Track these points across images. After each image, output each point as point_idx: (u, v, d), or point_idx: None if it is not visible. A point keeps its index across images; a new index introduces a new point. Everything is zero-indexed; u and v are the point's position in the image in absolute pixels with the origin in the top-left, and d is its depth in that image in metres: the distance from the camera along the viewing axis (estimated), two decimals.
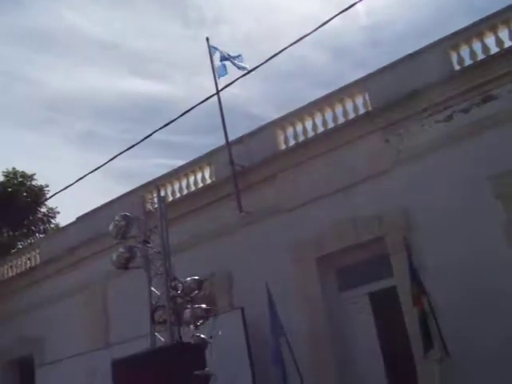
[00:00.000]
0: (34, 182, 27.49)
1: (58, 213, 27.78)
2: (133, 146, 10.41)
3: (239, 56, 14.33)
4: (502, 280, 10.02)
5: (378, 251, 11.71)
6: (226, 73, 14.16)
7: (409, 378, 10.70)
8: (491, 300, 10.01)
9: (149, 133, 10.18)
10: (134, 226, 9.61)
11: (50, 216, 27.76)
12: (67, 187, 11.22)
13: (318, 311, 12.01)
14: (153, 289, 9.56)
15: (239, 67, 13.99)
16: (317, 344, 11.77)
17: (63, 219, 27.16)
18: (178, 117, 9.73)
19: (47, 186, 27.55)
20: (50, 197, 22.52)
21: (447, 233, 10.76)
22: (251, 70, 11.17)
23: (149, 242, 9.71)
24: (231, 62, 14.23)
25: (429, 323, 10.06)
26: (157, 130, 10.03)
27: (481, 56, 11.41)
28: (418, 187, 11.31)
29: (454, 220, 10.75)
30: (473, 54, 11.52)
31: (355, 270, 12.18)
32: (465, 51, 11.66)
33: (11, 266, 18.94)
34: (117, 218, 9.56)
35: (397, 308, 11.13)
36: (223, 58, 14.32)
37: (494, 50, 11.29)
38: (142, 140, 10.27)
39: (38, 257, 18.18)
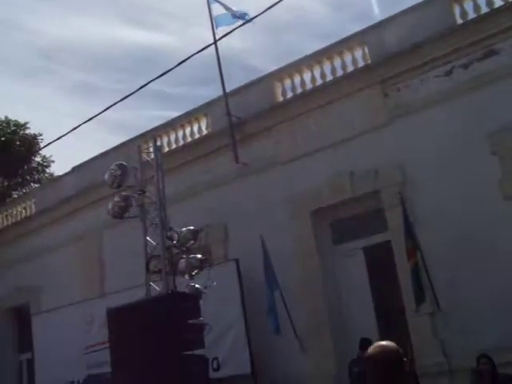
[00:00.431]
0: (27, 131, 27.08)
1: (53, 162, 27.47)
2: (128, 95, 10.20)
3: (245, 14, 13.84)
4: (497, 234, 10.07)
5: (374, 205, 11.73)
6: (229, 23, 13.64)
7: (400, 331, 10.84)
8: (485, 253, 10.07)
9: (143, 83, 10.02)
10: (129, 176, 9.56)
11: (44, 165, 27.46)
12: (61, 137, 11.04)
13: (313, 264, 12.08)
14: (148, 239, 9.57)
15: (240, 16, 13.55)
16: (310, 296, 11.87)
17: (57, 169, 27.07)
18: (174, 67, 9.50)
19: (41, 135, 26.94)
20: (45, 146, 22.19)
21: (443, 187, 10.75)
22: (249, 20, 10.98)
23: (145, 192, 9.67)
24: (233, 14, 13.79)
25: (421, 277, 10.16)
26: (152, 80, 9.80)
27: (485, 9, 11.15)
28: (416, 142, 11.25)
29: (450, 175, 10.73)
30: (476, 7, 11.26)
31: (350, 224, 12.22)
32: (468, 4, 11.38)
33: (6, 216, 18.93)
34: (112, 167, 9.50)
35: (391, 262, 11.21)
36: (235, 16, 13.81)
37: (498, 3, 11.02)
38: (137, 90, 10.06)
39: (33, 206, 18.15)
